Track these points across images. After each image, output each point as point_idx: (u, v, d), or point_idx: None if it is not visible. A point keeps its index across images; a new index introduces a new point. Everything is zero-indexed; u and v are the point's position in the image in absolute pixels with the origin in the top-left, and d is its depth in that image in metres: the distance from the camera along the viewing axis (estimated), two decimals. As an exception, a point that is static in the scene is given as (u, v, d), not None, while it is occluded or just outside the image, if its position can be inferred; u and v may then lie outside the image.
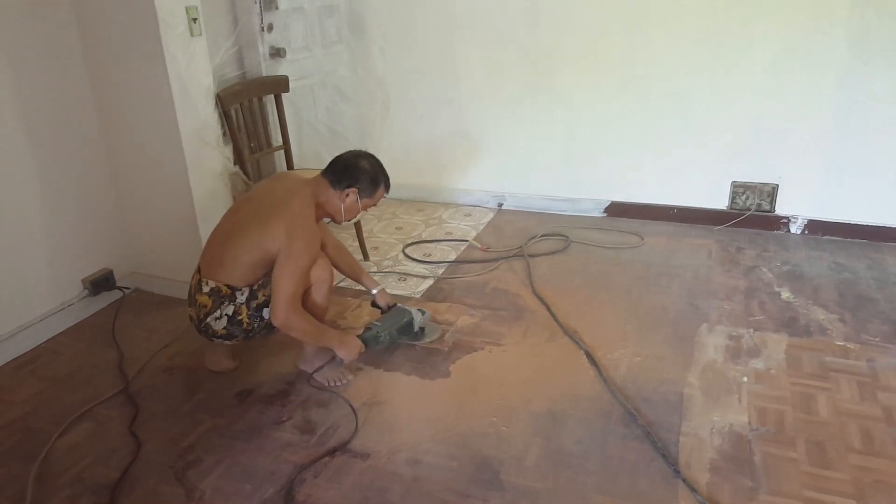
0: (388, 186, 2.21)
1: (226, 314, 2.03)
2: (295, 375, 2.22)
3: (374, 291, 2.42)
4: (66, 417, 2.03)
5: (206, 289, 2.03)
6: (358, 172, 2.12)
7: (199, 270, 2.10)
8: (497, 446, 1.87)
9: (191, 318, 2.12)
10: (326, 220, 2.25)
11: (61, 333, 2.52)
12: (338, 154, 2.18)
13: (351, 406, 2.04)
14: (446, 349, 2.35)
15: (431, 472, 1.78)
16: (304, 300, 2.06)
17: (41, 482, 1.78)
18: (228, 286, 2.03)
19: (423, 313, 2.39)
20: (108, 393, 2.15)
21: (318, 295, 2.10)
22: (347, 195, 2.12)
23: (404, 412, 2.04)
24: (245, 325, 2.06)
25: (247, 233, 2.00)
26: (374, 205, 2.22)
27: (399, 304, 2.40)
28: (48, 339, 2.47)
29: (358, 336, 2.18)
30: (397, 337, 2.30)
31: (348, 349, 2.11)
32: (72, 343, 2.47)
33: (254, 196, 2.15)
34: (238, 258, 2.01)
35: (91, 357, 2.37)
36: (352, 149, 2.23)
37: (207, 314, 2.03)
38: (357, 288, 2.77)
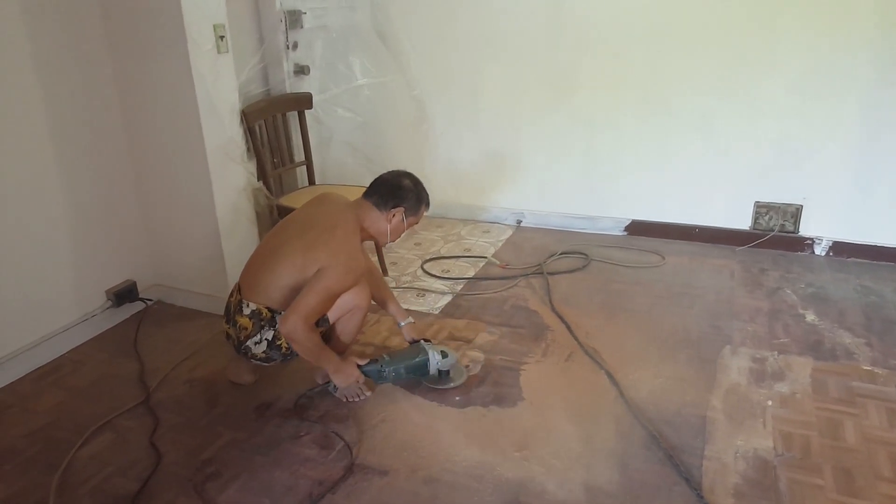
0: (428, 204, 2.20)
1: (265, 339, 2.03)
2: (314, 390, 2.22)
3: (402, 324, 2.31)
4: (87, 428, 2.04)
5: (246, 311, 2.02)
6: (403, 192, 2.11)
7: (238, 290, 2.09)
8: (516, 468, 1.84)
9: (228, 335, 2.12)
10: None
11: (84, 344, 2.55)
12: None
13: (343, 438, 1.96)
14: (466, 366, 2.33)
15: (450, 492, 1.76)
16: (337, 324, 2.06)
17: (62, 492, 1.79)
18: (269, 309, 2.02)
19: (446, 356, 2.19)
20: (129, 404, 2.17)
21: (352, 321, 2.09)
22: (394, 215, 2.10)
23: (423, 430, 2.02)
24: (284, 349, 2.05)
25: (290, 257, 1.99)
26: (416, 223, 2.21)
27: (422, 342, 2.23)
28: (71, 350, 2.50)
29: (361, 366, 2.11)
30: (405, 376, 2.16)
31: (343, 377, 2.07)
32: (94, 354, 2.49)
33: (297, 219, 2.12)
34: (279, 281, 1.99)
35: (113, 368, 2.39)
36: (382, 167, 2.21)
37: (248, 337, 2.03)
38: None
